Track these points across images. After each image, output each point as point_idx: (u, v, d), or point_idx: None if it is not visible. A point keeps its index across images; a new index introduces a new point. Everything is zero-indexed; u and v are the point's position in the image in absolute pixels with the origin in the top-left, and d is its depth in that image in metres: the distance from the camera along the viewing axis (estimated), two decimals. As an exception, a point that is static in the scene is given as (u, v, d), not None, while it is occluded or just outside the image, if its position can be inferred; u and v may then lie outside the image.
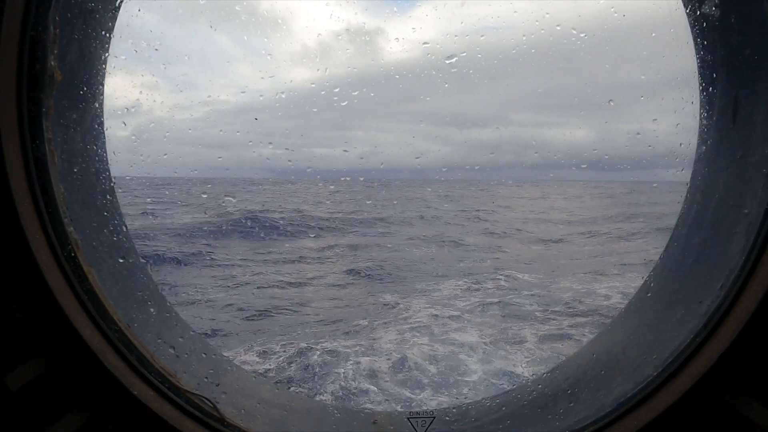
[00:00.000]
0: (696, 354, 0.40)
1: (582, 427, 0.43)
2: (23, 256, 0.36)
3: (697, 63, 0.57)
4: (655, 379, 0.42)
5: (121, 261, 0.51)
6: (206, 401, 0.43)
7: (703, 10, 0.54)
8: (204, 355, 0.58)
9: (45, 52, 0.40)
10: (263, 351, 3.64)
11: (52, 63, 0.41)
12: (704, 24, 0.54)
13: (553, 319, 4.35)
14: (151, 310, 0.53)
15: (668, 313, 0.48)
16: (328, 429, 0.53)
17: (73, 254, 0.40)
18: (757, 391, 0.38)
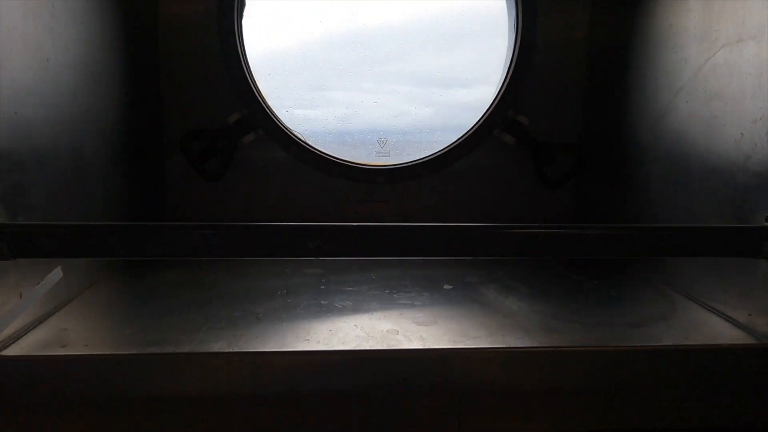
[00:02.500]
0: (484, 117, 0.99)
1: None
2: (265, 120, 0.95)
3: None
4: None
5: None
6: (298, 135, 0.98)
7: None
8: None
9: None
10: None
11: None
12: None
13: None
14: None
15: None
16: None
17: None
18: (508, 129, 0.98)
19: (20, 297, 0.55)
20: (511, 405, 0.57)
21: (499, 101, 0.98)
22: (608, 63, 0.96)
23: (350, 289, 0.73)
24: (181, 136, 0.94)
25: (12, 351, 0.52)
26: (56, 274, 0.61)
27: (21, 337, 0.55)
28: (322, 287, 0.73)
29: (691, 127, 0.73)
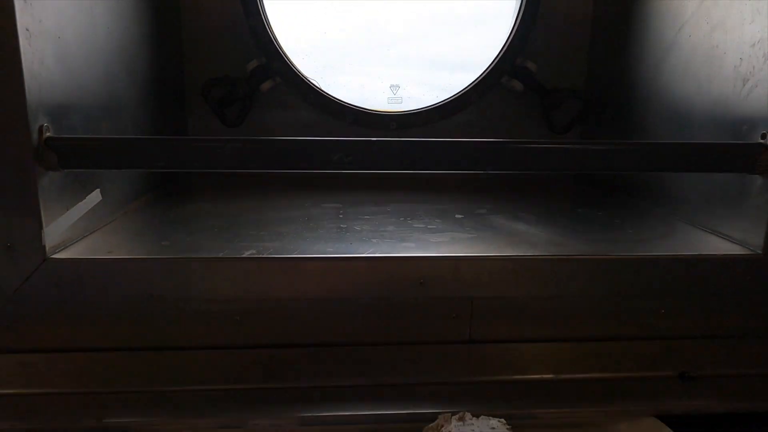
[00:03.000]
0: (493, 64, 1.01)
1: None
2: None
3: None
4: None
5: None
6: (314, 82, 0.98)
7: None
8: None
9: None
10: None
11: None
12: None
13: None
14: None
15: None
16: None
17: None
18: (516, 76, 1.00)
19: (66, 210, 0.60)
20: (517, 310, 0.62)
21: (507, 49, 1.02)
22: (613, 6, 0.99)
23: (367, 217, 0.78)
24: (202, 84, 0.98)
25: (61, 255, 0.57)
26: (96, 195, 0.66)
27: (67, 246, 0.60)
28: (341, 216, 0.78)
29: (693, 60, 0.76)
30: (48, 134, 0.55)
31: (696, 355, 0.62)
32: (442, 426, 0.44)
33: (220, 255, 0.58)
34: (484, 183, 1.07)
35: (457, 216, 0.79)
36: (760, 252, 0.62)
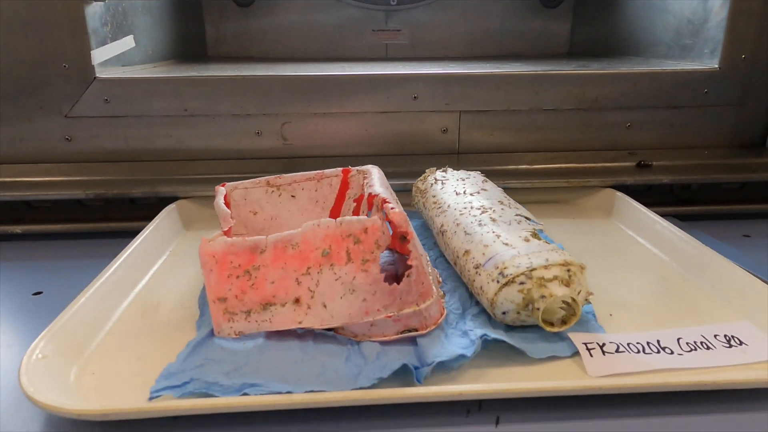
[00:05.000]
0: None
1: None
2: None
3: None
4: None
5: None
6: None
7: None
8: None
9: None
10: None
11: None
12: None
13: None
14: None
15: None
16: None
17: None
18: None
19: (108, 42, 0.69)
20: (502, 120, 0.71)
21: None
22: None
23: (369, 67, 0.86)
24: (214, -35, 1.06)
25: (106, 74, 0.67)
26: (130, 40, 0.76)
27: (111, 74, 0.70)
28: (345, 68, 0.87)
29: None
30: (89, -33, 0.64)
31: (654, 157, 0.71)
32: (428, 176, 0.54)
33: (244, 74, 0.68)
34: (487, 58, 1.14)
35: (450, 65, 0.87)
36: (716, 67, 0.70)
